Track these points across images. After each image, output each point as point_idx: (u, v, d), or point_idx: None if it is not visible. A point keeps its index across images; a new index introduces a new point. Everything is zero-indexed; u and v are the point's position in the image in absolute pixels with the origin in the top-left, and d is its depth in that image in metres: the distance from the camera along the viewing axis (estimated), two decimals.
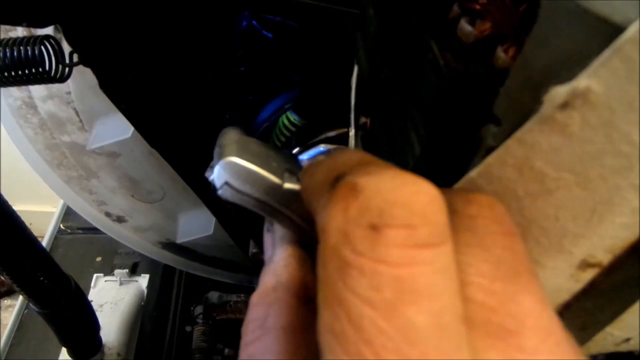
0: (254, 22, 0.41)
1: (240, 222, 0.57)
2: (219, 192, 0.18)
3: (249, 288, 0.78)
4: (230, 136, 0.19)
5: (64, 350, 0.64)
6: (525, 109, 0.15)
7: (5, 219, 0.43)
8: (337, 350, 0.11)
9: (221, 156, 0.18)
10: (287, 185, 0.18)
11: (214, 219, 0.65)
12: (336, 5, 0.36)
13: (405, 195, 0.12)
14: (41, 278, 0.49)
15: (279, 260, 0.19)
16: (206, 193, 0.54)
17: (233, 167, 0.18)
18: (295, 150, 0.41)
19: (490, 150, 0.16)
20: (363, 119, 0.34)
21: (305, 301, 0.17)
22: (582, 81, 0.13)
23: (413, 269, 0.11)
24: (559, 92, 0.13)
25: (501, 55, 0.18)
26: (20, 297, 0.87)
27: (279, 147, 0.43)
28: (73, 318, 0.56)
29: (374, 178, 0.12)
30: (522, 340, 0.12)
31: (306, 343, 0.16)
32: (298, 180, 0.18)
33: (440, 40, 0.19)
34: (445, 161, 0.18)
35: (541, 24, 0.14)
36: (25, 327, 0.81)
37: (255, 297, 0.18)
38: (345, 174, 0.13)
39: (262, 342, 0.16)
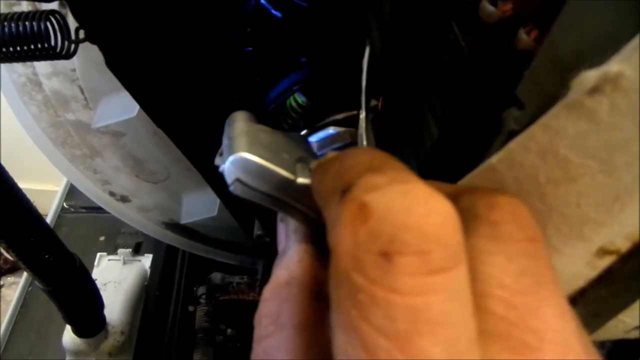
0: (262, 0, 0.40)
1: (245, 204, 0.57)
2: (230, 188, 0.18)
3: (252, 269, 0.79)
4: (239, 126, 0.19)
5: (68, 327, 0.65)
6: (551, 92, 0.14)
7: (11, 196, 0.43)
8: None
9: (231, 150, 0.17)
10: (300, 180, 0.18)
11: (218, 201, 0.65)
12: None
13: (416, 218, 0.11)
14: (46, 256, 0.49)
15: (292, 254, 0.19)
16: (211, 174, 0.54)
17: (244, 163, 0.17)
18: (303, 132, 0.41)
19: (512, 133, 0.16)
20: (373, 102, 0.33)
21: (318, 298, 0.17)
22: (614, 66, 0.13)
23: (427, 298, 0.11)
24: (588, 77, 0.13)
25: (523, 36, 0.17)
26: (25, 275, 0.87)
27: (288, 130, 0.42)
28: (78, 296, 0.56)
29: (383, 197, 0.12)
30: (542, 355, 0.12)
31: (318, 340, 0.16)
32: (311, 172, 0.18)
33: (461, 21, 0.18)
34: (464, 144, 0.17)
35: (571, 5, 0.13)
36: (29, 305, 0.82)
37: (267, 292, 0.18)
38: (353, 184, 0.13)
39: (275, 338, 0.16)
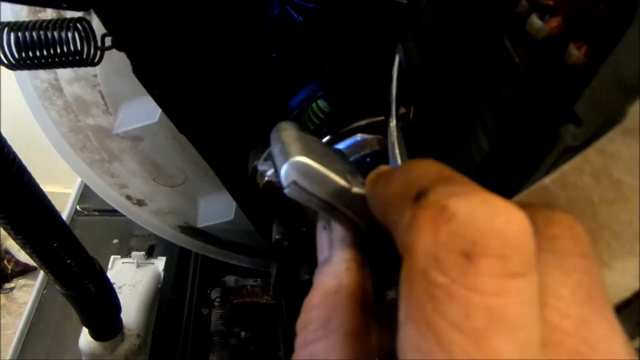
0: (288, 7, 0.41)
1: (262, 208, 0.57)
2: (285, 190, 0.18)
3: (265, 272, 0.79)
4: (292, 133, 0.19)
5: (84, 330, 0.65)
6: (610, 111, 0.15)
7: (36, 201, 0.44)
8: None
9: (288, 155, 0.18)
10: (355, 190, 0.18)
11: (234, 204, 0.65)
12: None
13: (498, 225, 0.12)
14: (68, 260, 0.50)
15: (340, 262, 0.19)
16: (229, 179, 0.54)
17: (302, 168, 0.18)
18: (326, 138, 0.41)
19: (567, 149, 0.16)
20: (402, 110, 0.33)
21: (365, 307, 0.18)
22: None
23: (504, 299, 0.12)
24: None
25: (574, 52, 0.17)
26: (40, 277, 0.88)
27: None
28: (97, 300, 0.56)
29: (465, 203, 0.12)
30: None
31: (365, 347, 0.17)
32: (362, 184, 0.18)
33: (511, 36, 0.18)
34: (516, 158, 0.18)
35: (635, 28, 0.14)
36: (45, 307, 0.83)
37: (315, 298, 0.19)
38: (428, 189, 0.13)
39: (324, 343, 0.17)
